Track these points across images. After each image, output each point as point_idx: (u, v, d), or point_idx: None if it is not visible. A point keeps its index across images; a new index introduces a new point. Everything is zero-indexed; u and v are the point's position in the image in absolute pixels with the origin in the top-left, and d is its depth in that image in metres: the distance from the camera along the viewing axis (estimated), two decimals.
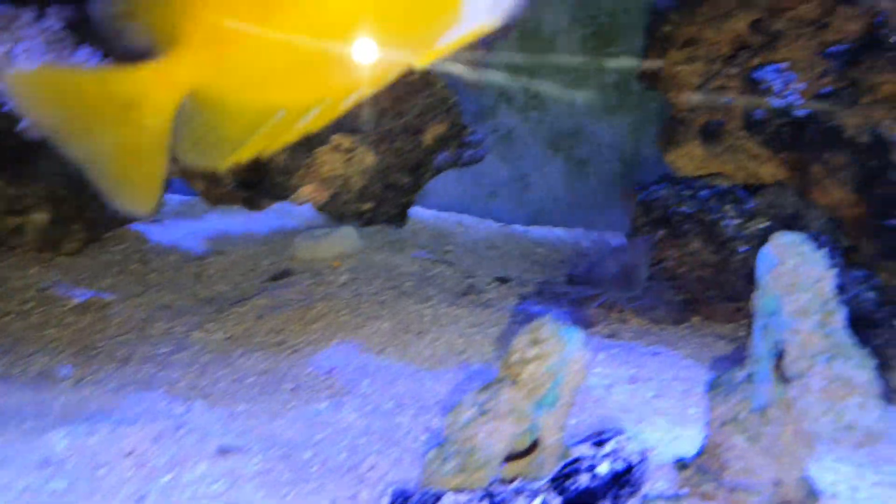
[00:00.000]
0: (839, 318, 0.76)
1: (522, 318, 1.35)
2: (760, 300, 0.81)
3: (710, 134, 1.30)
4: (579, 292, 1.43)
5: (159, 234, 1.72)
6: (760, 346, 0.81)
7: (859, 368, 0.73)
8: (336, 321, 1.24)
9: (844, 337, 0.75)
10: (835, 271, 0.78)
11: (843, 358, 0.74)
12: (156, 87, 0.55)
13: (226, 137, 0.58)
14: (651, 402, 1.07)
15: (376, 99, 0.91)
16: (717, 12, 1.37)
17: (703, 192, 1.24)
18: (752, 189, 1.30)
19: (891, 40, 1.10)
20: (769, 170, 1.30)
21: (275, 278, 1.53)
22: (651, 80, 1.48)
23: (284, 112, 0.58)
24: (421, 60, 0.57)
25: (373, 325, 1.23)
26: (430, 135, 0.94)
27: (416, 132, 0.92)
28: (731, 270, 1.25)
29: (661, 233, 1.29)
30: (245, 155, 0.58)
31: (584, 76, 2.11)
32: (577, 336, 0.76)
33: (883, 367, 1.19)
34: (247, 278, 1.55)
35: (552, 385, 0.76)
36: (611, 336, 1.30)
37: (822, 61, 1.19)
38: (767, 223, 1.18)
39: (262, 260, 1.64)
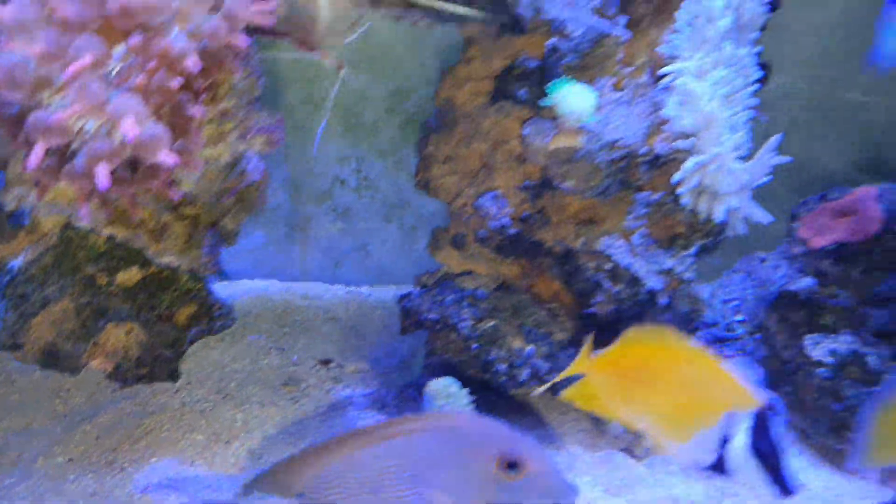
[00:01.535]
0: None
1: (324, 409, 1.64)
2: None
3: (458, 243, 1.61)
4: (373, 375, 1.73)
5: None
6: None
7: None
8: (159, 437, 1.50)
9: None
10: (473, 405, 1.09)
11: None
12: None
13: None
14: None
15: (134, 300, 1.19)
16: (466, 135, 1.67)
17: (448, 298, 1.54)
18: (495, 287, 1.62)
19: (554, 183, 1.42)
20: (505, 269, 1.62)
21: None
22: (426, 188, 1.78)
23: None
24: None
25: (189, 438, 1.50)
26: (183, 317, 1.22)
27: (169, 318, 1.20)
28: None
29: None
30: None
31: (402, 158, 2.40)
32: None
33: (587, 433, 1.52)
34: (100, 388, 1.79)
35: None
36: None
37: (522, 192, 1.51)
38: (493, 323, 1.49)
39: None
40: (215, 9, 0.91)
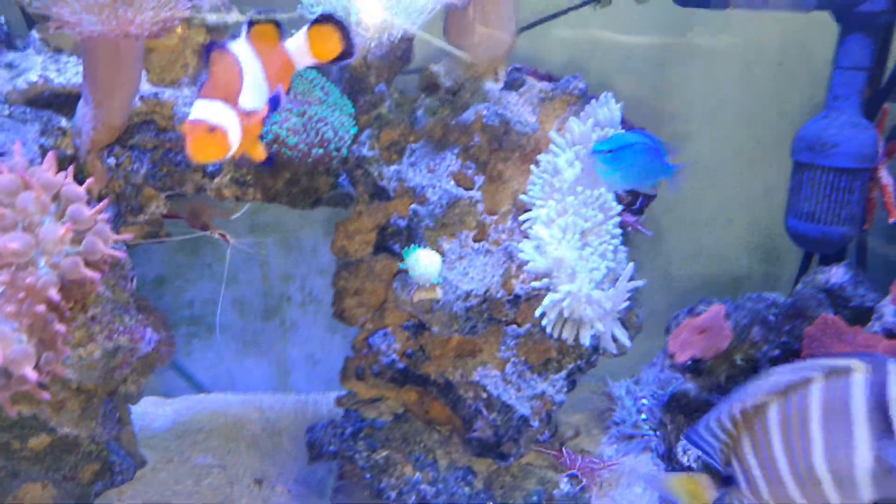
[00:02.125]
0: None
1: None
2: None
3: (359, 375, 1.78)
4: (296, 496, 1.89)
5: None
6: None
7: None
8: None
9: None
10: None
11: None
12: None
13: None
14: None
15: (42, 462, 1.37)
16: (367, 273, 1.86)
17: (348, 431, 1.71)
18: (397, 413, 1.78)
19: (426, 325, 1.60)
20: (405, 395, 1.78)
21: None
22: (341, 318, 1.96)
23: None
24: None
25: None
26: (87, 474, 1.40)
27: (73, 477, 1.38)
28: None
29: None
30: None
31: None
32: None
33: None
34: None
35: None
36: None
37: (406, 331, 1.68)
38: (385, 453, 1.65)
39: None
40: (78, 240, 1.11)
